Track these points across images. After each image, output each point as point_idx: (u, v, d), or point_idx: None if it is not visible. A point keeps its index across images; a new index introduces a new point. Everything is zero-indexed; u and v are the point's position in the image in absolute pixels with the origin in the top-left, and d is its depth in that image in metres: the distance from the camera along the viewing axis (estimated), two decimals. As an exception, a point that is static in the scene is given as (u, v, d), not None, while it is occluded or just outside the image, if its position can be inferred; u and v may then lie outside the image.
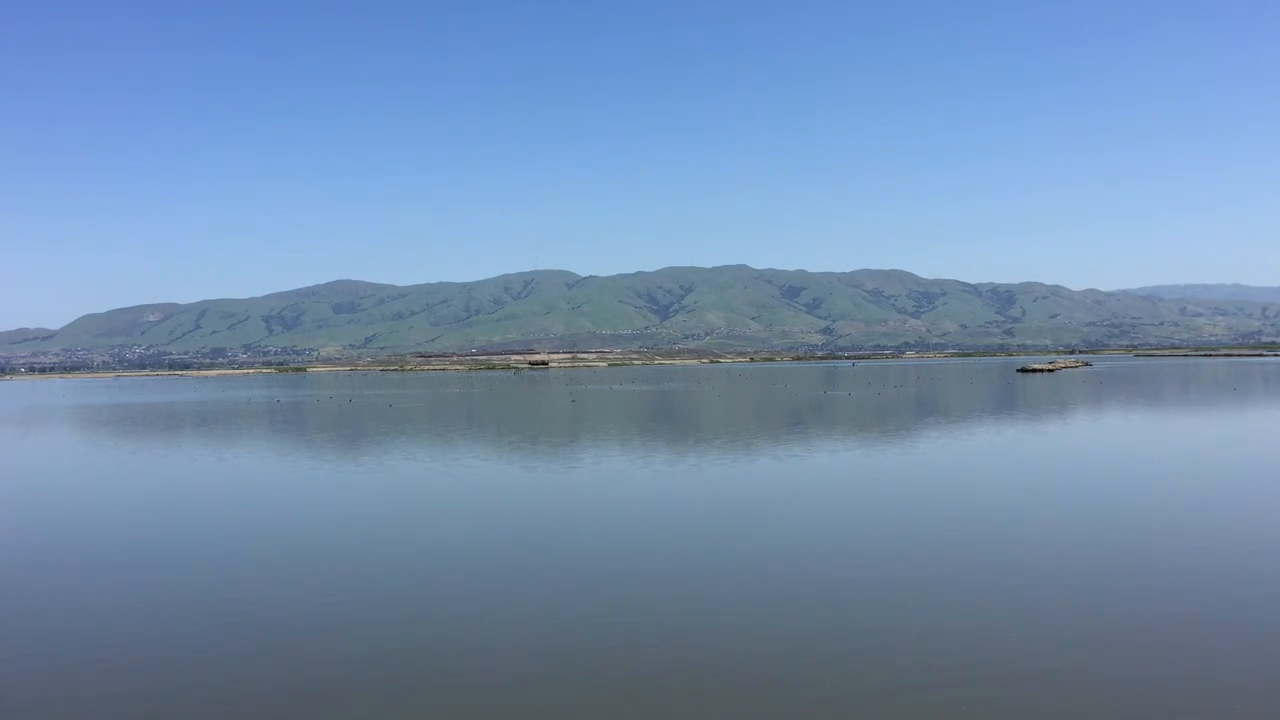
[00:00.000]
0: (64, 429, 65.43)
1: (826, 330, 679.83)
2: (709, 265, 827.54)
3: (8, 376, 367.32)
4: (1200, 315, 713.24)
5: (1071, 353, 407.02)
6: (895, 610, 15.13)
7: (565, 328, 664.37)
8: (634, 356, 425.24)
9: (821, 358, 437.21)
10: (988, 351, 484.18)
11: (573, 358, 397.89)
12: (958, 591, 16.17)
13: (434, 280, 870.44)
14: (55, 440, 56.12)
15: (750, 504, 25.67)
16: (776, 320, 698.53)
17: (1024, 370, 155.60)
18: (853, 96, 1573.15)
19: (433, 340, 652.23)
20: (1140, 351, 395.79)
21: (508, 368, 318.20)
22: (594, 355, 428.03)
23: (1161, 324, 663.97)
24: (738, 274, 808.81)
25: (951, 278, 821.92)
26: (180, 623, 15.33)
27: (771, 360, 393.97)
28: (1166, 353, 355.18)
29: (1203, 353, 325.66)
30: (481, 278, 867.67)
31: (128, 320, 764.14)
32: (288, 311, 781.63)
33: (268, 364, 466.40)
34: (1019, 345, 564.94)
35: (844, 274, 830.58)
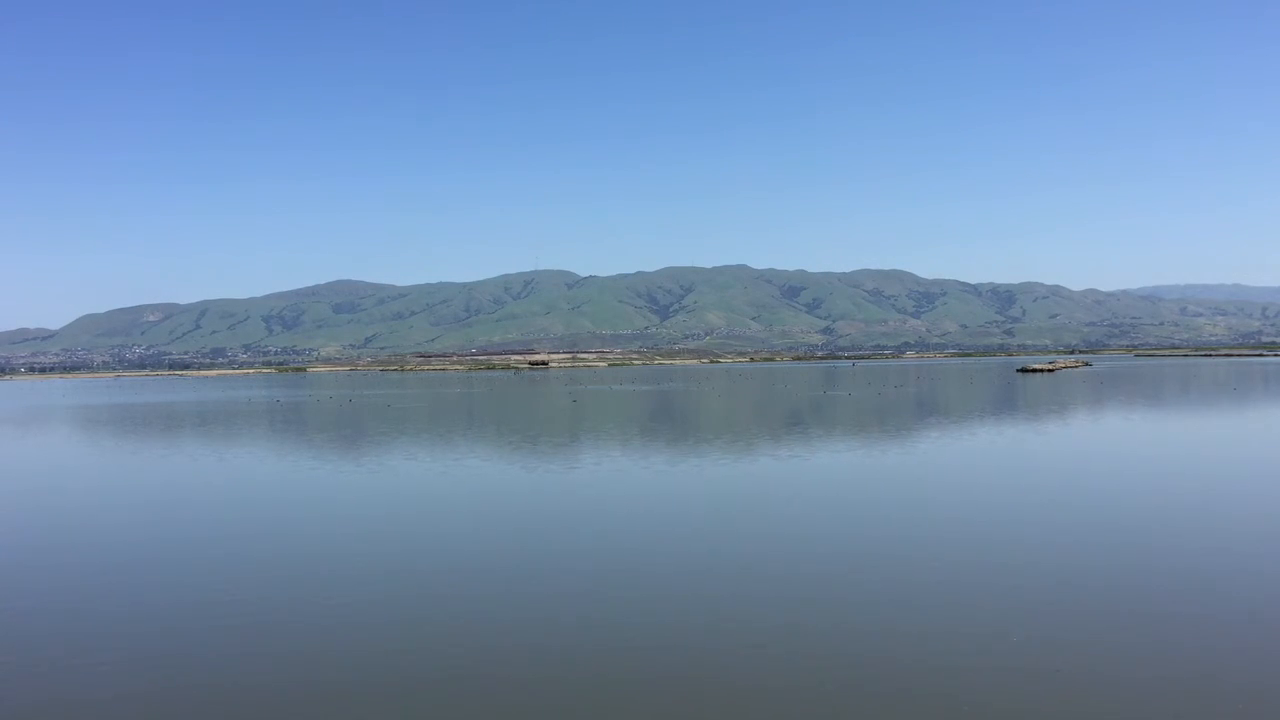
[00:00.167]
0: (64, 429, 65.43)
1: (826, 330, 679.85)
2: (709, 265, 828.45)
3: (8, 376, 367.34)
4: (1200, 315, 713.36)
5: (1071, 353, 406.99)
6: (896, 610, 15.13)
7: (565, 328, 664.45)
8: (634, 356, 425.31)
9: (821, 358, 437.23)
10: (988, 351, 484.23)
11: (573, 358, 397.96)
12: (958, 591, 16.17)
13: (434, 280, 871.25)
14: (55, 440, 56.12)
15: (751, 504, 25.68)
16: (776, 320, 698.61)
17: (1024, 370, 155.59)
18: (853, 96, 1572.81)
19: (433, 340, 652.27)
20: (1140, 351, 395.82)
21: (508, 368, 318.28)
22: (594, 355, 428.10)
23: (1161, 324, 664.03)
24: (738, 274, 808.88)
25: (951, 278, 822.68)
26: (181, 623, 15.32)
27: (771, 360, 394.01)
28: (1166, 353, 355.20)
29: (1203, 353, 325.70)
30: (481, 278, 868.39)
31: (128, 320, 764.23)
32: (288, 311, 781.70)
33: (268, 364, 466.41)
34: (1019, 345, 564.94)
35: (844, 274, 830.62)
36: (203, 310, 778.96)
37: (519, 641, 13.99)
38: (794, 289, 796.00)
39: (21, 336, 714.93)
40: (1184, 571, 17.29)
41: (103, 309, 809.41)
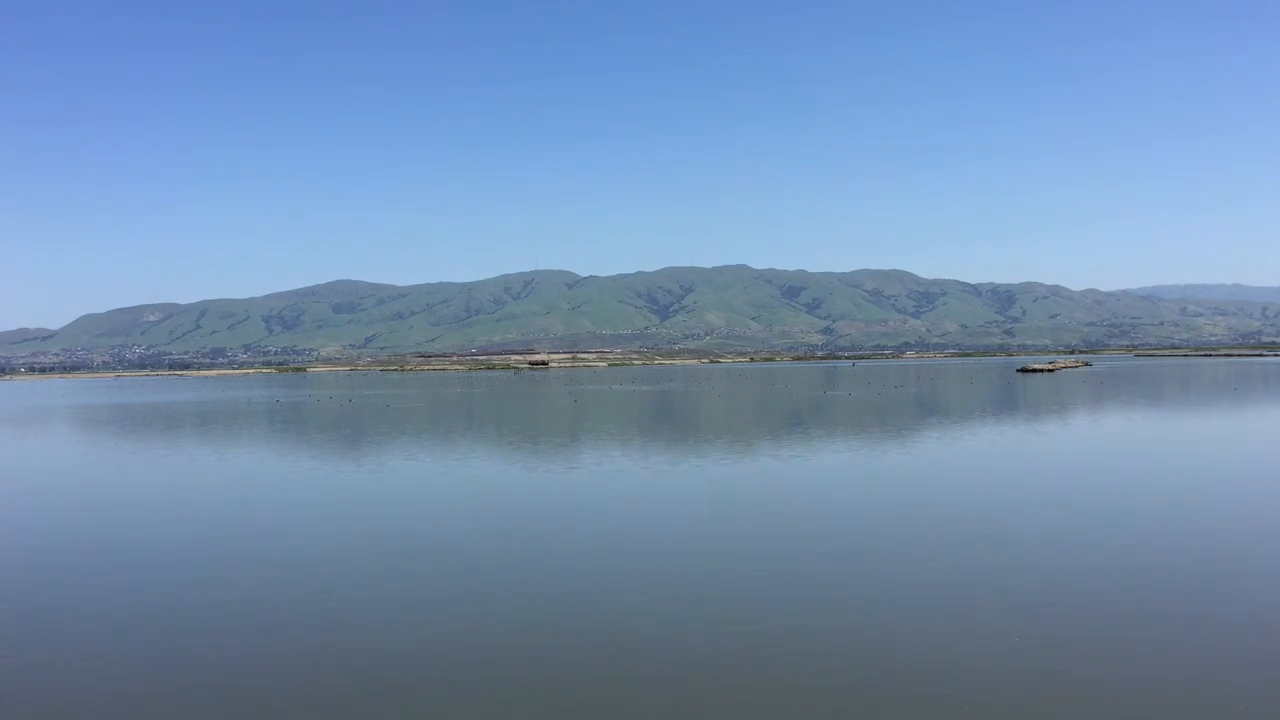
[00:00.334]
0: (64, 429, 65.44)
1: (826, 330, 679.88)
2: (709, 265, 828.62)
3: (8, 376, 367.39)
4: (1200, 315, 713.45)
5: (1071, 353, 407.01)
6: (897, 610, 15.13)
7: (565, 328, 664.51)
8: (634, 356, 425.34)
9: (821, 358, 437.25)
10: (988, 351, 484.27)
11: (573, 358, 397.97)
12: (959, 591, 16.17)
13: (434, 280, 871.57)
14: (56, 441, 56.11)
15: (751, 504, 25.68)
16: (776, 320, 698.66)
17: (1024, 370, 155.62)
18: (853, 96, 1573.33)
19: (433, 340, 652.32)
20: (1140, 351, 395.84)
21: (508, 368, 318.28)
22: (594, 355, 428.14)
23: (1161, 324, 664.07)
24: (738, 274, 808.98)
25: (951, 278, 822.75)
26: (182, 623, 15.32)
27: (771, 360, 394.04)
28: (1166, 353, 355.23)
29: (1203, 353, 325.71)
30: (481, 278, 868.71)
31: (128, 320, 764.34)
32: (288, 311, 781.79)
33: (268, 364, 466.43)
34: (1019, 345, 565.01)
35: (844, 274, 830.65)
36: (203, 310, 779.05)
37: (520, 641, 13.99)
38: (794, 289, 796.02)
39: (21, 336, 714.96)
40: (1184, 571, 17.30)
41: (103, 309, 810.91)
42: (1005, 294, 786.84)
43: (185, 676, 12.87)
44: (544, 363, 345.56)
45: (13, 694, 12.37)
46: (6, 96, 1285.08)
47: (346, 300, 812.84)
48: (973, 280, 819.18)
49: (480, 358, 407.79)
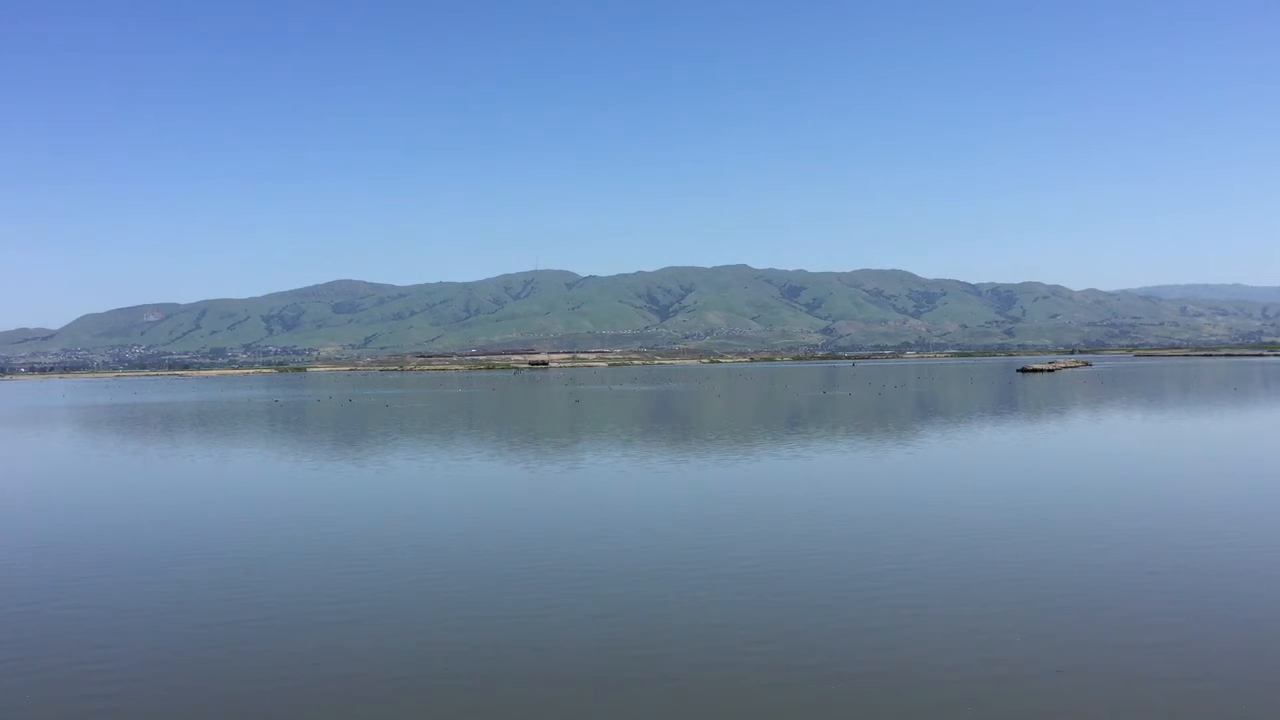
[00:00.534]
0: (65, 430, 65.45)
1: (826, 330, 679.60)
2: (709, 265, 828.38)
3: (8, 376, 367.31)
4: (1200, 315, 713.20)
5: (1072, 353, 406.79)
6: (898, 610, 15.15)
7: (565, 328, 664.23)
8: (634, 356, 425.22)
9: (821, 358, 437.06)
10: (988, 351, 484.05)
11: (573, 358, 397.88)
12: (961, 591, 16.19)
13: (434, 280, 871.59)
14: (56, 441, 56.10)
15: (752, 504, 25.69)
16: (776, 320, 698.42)
17: (1024, 370, 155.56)
18: (852, 96, 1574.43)
19: (433, 340, 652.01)
20: (1140, 351, 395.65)
21: (508, 368, 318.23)
22: (594, 355, 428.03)
23: (1162, 324, 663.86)
24: (738, 274, 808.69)
25: (951, 278, 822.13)
26: (184, 624, 15.35)
27: (771, 360, 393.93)
28: (1167, 353, 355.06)
29: (1203, 353, 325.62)
30: (481, 278, 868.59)
31: (128, 320, 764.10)
32: (288, 311, 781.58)
33: (268, 364, 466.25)
34: (1019, 345, 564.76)
35: (844, 274, 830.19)
36: (203, 310, 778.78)
37: (521, 642, 14.01)
38: (794, 289, 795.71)
39: (21, 336, 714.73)
40: (1185, 571, 17.31)
41: (103, 309, 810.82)
42: (1005, 294, 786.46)
43: (187, 677, 12.90)
44: (544, 363, 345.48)
45: (19, 695, 12.40)
46: (6, 96, 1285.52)
47: (346, 300, 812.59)
48: (973, 280, 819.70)
49: (480, 358, 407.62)
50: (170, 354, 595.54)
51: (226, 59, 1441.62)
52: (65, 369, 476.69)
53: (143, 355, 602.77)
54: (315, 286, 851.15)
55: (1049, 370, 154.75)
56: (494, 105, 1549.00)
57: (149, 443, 50.95)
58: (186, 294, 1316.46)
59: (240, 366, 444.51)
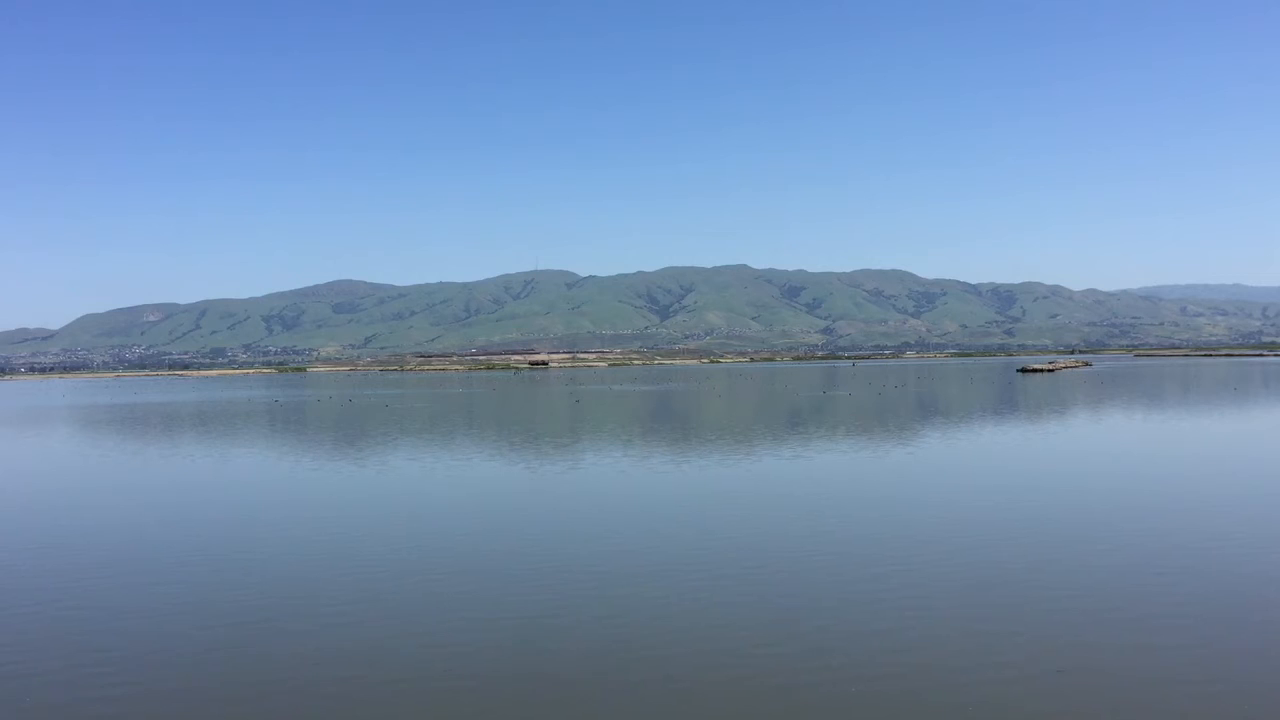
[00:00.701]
0: (66, 430, 65.42)
1: (826, 330, 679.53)
2: (709, 265, 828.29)
3: (8, 376, 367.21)
4: (1200, 315, 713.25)
5: (1072, 353, 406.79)
6: (900, 610, 15.12)
7: (565, 328, 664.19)
8: (634, 356, 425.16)
9: (821, 358, 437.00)
10: (988, 351, 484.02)
11: (573, 358, 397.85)
12: (963, 591, 16.16)
13: (434, 280, 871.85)
14: (56, 441, 56.08)
15: (754, 504, 25.65)
16: (776, 320, 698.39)
17: (1024, 370, 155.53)
18: (852, 96, 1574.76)
19: (433, 340, 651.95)
20: (1140, 351, 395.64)
21: (508, 368, 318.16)
22: (594, 355, 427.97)
23: (1162, 324, 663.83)
24: (738, 274, 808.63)
25: (951, 278, 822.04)
26: (186, 625, 15.32)
27: (771, 360, 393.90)
28: (1167, 353, 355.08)
29: (1203, 353, 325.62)
30: (481, 278, 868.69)
31: (128, 320, 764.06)
32: (288, 311, 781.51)
33: (268, 364, 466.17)
34: (1019, 345, 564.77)
35: (844, 274, 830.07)
36: (203, 310, 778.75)
37: (524, 643, 13.98)
38: (794, 289, 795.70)
39: (21, 336, 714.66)
40: (1193, 572, 17.28)
41: (103, 309, 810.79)
42: (1005, 294, 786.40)
43: (187, 678, 12.87)
44: (544, 363, 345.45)
45: (26, 696, 12.37)
46: (6, 96, 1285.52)
47: (346, 300, 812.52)
48: (973, 280, 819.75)
49: (480, 358, 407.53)
50: (170, 354, 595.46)
51: (226, 59, 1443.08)
52: (65, 369, 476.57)
53: (143, 355, 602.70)
54: (315, 286, 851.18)
55: (1049, 370, 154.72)
56: (494, 105, 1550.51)
57: (149, 443, 50.93)
58: (186, 294, 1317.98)
59: (240, 366, 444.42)
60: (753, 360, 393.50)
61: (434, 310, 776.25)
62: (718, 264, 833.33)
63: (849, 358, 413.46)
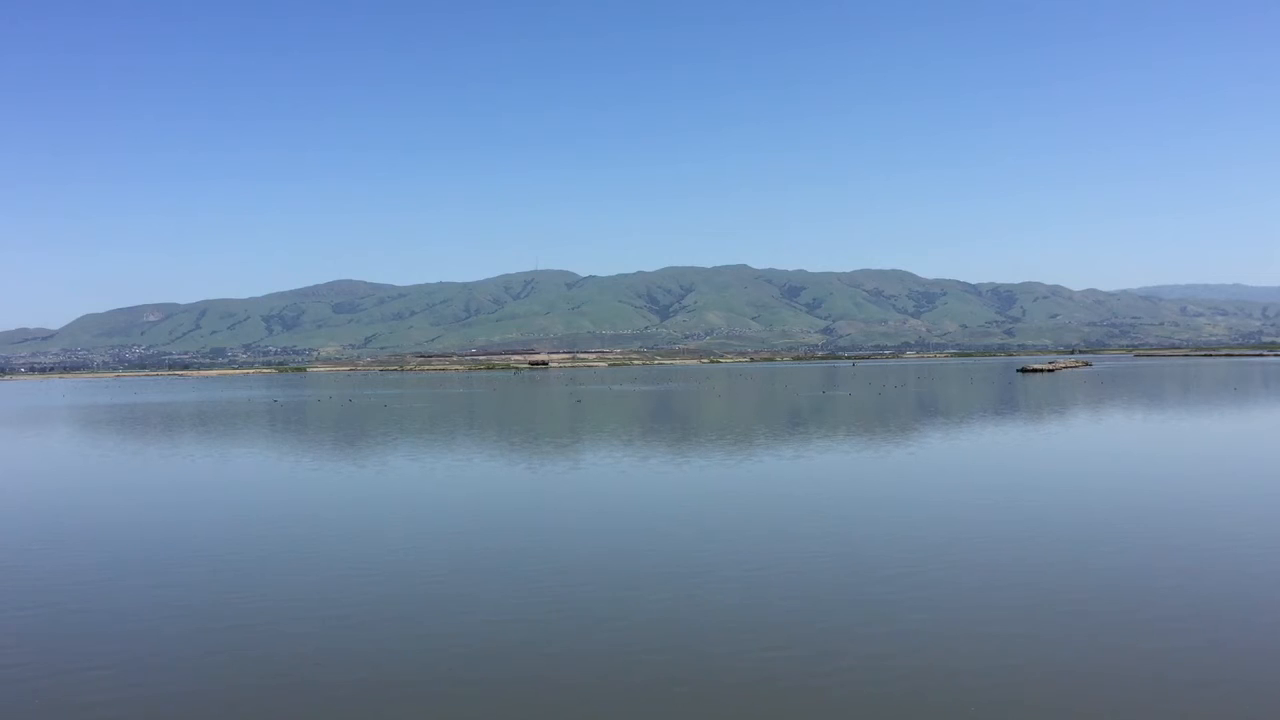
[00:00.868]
0: (65, 430, 65.37)
1: (826, 330, 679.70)
2: (709, 265, 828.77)
3: (8, 376, 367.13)
4: (1200, 315, 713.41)
5: (1072, 353, 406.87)
6: (903, 610, 15.06)
7: (565, 328, 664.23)
8: (634, 356, 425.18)
9: (821, 358, 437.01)
10: (988, 351, 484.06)
11: (573, 358, 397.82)
12: (964, 591, 16.10)
13: (434, 280, 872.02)
14: (56, 441, 56.02)
15: (756, 505, 25.59)
16: (776, 320, 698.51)
17: (1024, 370, 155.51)
18: (853, 96, 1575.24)
19: (433, 340, 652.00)
20: (1140, 351, 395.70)
21: (508, 368, 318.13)
22: (594, 355, 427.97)
23: (1162, 324, 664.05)
24: (738, 274, 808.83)
25: (951, 278, 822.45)
26: (186, 627, 15.25)
27: (772, 360, 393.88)
28: (1167, 353, 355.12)
29: (1203, 353, 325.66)
30: (481, 278, 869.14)
31: (128, 320, 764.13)
32: (288, 311, 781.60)
33: (268, 364, 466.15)
34: (1019, 345, 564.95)
35: (844, 274, 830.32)
36: (203, 310, 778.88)
37: (527, 644, 13.92)
38: (794, 289, 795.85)
39: (21, 336, 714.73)
40: (1193, 573, 17.21)
41: (103, 309, 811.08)
42: (1005, 294, 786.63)
43: (194, 680, 12.81)
44: (544, 363, 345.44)
45: (30, 696, 12.31)
46: (7, 96, 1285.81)
47: (346, 300, 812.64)
48: (973, 280, 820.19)
49: (480, 358, 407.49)
50: (170, 354, 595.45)
51: (226, 59, 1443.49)
52: (65, 369, 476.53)
53: (143, 355, 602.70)
54: (315, 286, 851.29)
55: (1049, 370, 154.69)
56: (494, 105, 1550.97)
57: (149, 443, 50.86)
58: (186, 294, 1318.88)
59: (240, 366, 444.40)
60: (753, 360, 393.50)
61: (434, 310, 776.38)
62: (718, 264, 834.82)
63: (849, 358, 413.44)
